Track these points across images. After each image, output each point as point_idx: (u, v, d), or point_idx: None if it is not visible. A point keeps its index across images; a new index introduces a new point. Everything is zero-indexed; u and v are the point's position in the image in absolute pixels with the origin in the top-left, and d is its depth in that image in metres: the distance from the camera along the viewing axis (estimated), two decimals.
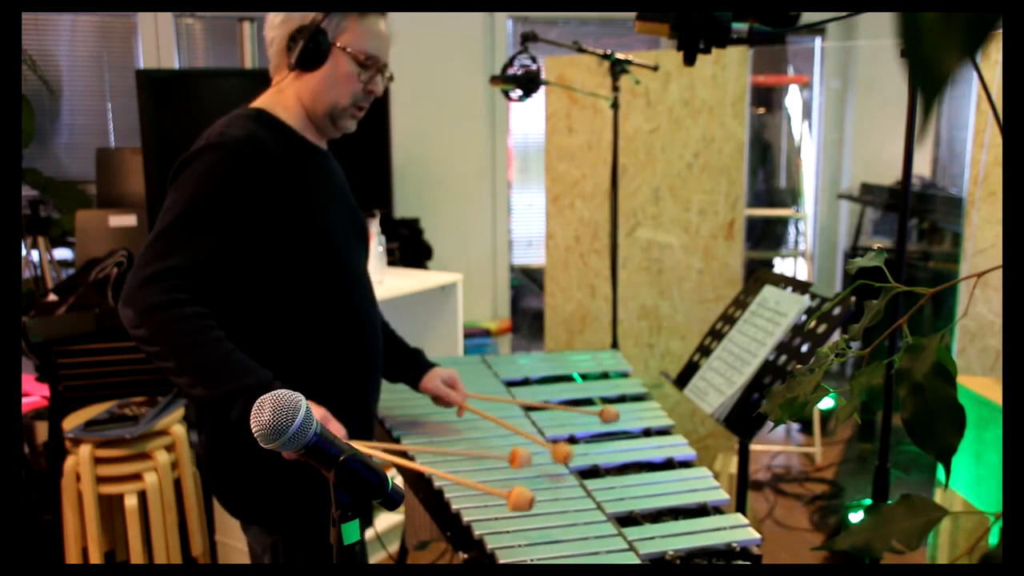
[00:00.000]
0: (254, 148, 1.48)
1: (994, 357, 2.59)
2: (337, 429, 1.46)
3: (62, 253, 4.12)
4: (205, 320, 1.41)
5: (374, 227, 3.00)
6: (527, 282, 5.07)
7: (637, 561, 1.31)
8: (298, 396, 0.98)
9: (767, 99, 4.94)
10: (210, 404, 1.42)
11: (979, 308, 2.62)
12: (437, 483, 1.56)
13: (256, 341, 1.49)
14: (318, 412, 1.44)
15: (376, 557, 2.85)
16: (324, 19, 1.52)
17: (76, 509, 2.61)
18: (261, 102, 1.60)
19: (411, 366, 1.82)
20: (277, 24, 1.56)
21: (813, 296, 2.03)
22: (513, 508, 1.38)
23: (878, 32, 4.54)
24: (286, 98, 1.59)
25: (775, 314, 2.05)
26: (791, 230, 5.19)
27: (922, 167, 4.69)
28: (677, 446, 1.75)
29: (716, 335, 2.23)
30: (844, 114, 4.84)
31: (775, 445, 4.00)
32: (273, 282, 1.51)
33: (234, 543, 2.75)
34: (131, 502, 2.60)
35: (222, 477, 1.60)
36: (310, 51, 1.52)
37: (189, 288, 1.41)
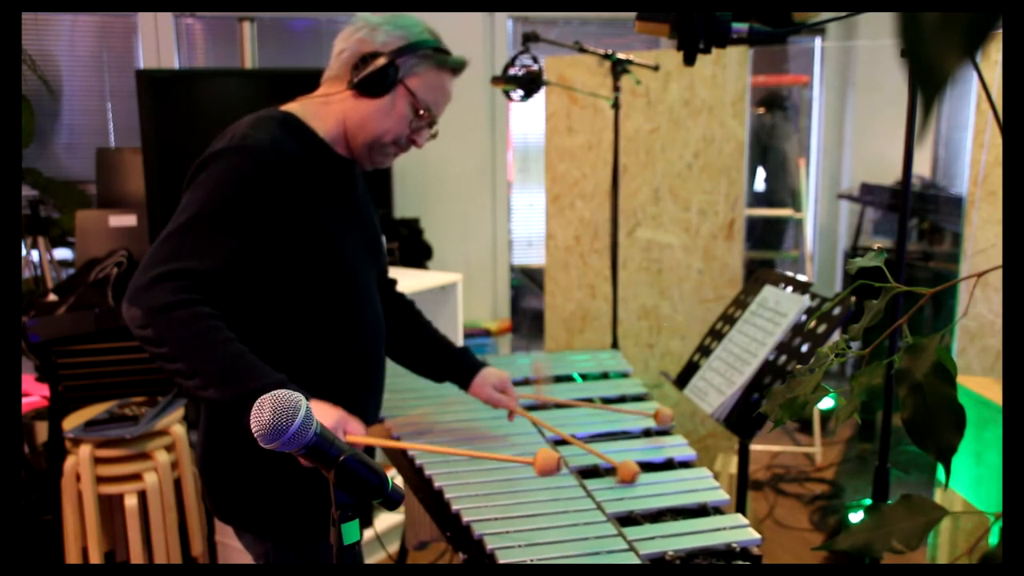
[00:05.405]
0: (278, 154, 1.44)
1: (994, 357, 2.59)
2: (356, 428, 1.40)
3: (62, 253, 4.13)
4: (215, 320, 1.36)
5: None
6: (527, 282, 5.07)
7: (637, 561, 1.31)
8: (298, 396, 0.97)
9: (768, 99, 4.93)
10: (223, 406, 1.34)
11: (979, 308, 2.62)
12: (437, 483, 1.56)
13: (255, 348, 1.44)
14: (335, 412, 1.39)
15: (376, 557, 2.85)
16: (403, 55, 1.50)
17: (76, 509, 2.61)
18: (295, 107, 1.55)
19: (459, 367, 1.78)
20: (355, 39, 1.52)
21: (813, 296, 2.03)
22: (540, 471, 1.31)
23: (878, 32, 4.54)
24: (329, 111, 1.54)
25: (775, 314, 2.05)
26: (790, 230, 5.18)
27: (922, 167, 4.68)
28: (677, 446, 1.75)
29: (716, 335, 2.23)
30: (844, 114, 4.84)
31: (775, 445, 4.00)
32: (278, 290, 1.48)
33: (234, 543, 2.74)
34: (131, 502, 2.60)
35: (216, 484, 1.59)
36: (377, 78, 1.49)
37: (198, 290, 1.36)
